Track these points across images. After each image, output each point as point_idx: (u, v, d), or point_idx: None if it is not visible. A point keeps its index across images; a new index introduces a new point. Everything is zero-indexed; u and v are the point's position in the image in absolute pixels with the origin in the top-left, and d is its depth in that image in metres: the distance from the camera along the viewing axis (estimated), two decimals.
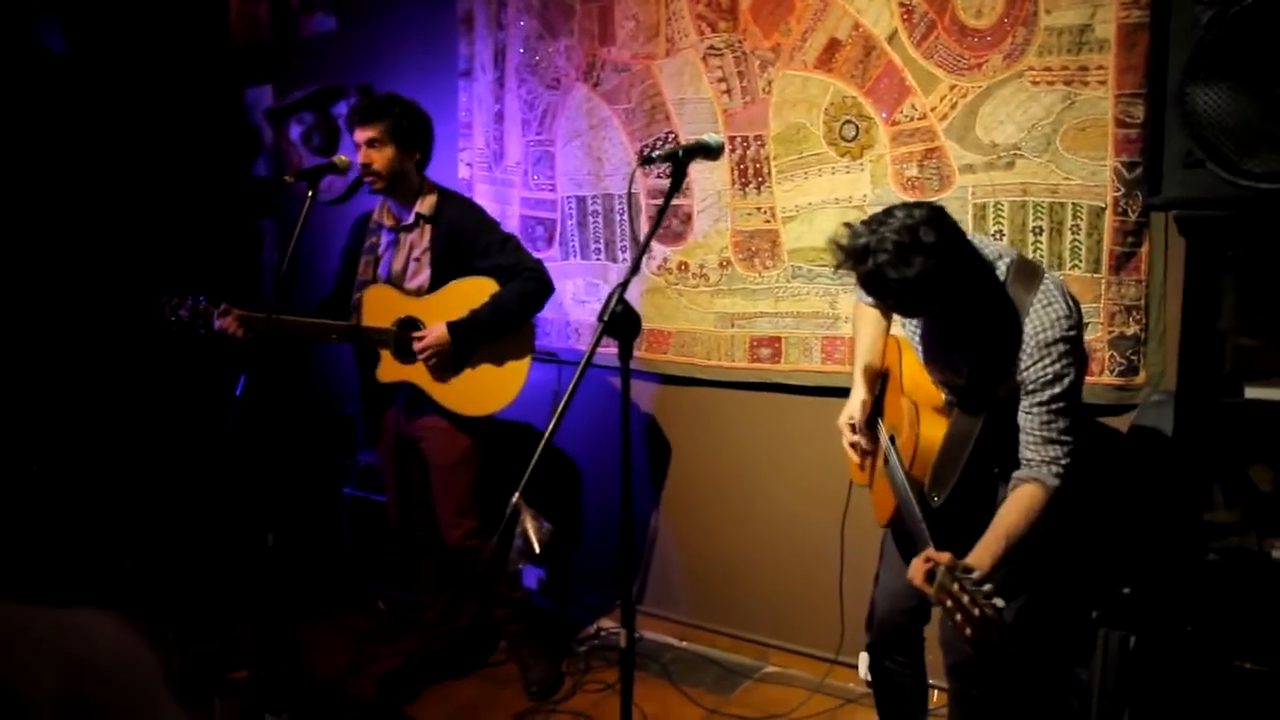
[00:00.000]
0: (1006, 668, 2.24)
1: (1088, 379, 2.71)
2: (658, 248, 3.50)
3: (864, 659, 3.13)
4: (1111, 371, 2.70)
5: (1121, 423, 2.68)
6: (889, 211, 1.91)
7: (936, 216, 1.87)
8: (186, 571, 3.90)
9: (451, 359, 2.99)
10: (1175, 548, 2.11)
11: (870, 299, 2.42)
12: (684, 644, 3.61)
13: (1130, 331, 2.67)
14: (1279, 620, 1.97)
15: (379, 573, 3.86)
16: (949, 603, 1.64)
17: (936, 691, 2.69)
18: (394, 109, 2.99)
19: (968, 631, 1.59)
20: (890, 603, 2.39)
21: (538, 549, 1.67)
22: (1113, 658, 2.03)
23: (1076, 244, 2.71)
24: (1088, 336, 2.70)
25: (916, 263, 1.82)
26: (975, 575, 1.65)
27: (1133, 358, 2.67)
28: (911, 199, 2.82)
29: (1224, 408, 2.08)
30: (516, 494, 1.72)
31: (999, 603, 1.57)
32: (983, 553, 1.87)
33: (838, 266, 1.93)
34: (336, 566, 4.01)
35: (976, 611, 1.57)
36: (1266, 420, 2.07)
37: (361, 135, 2.96)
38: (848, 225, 1.93)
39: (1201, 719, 1.94)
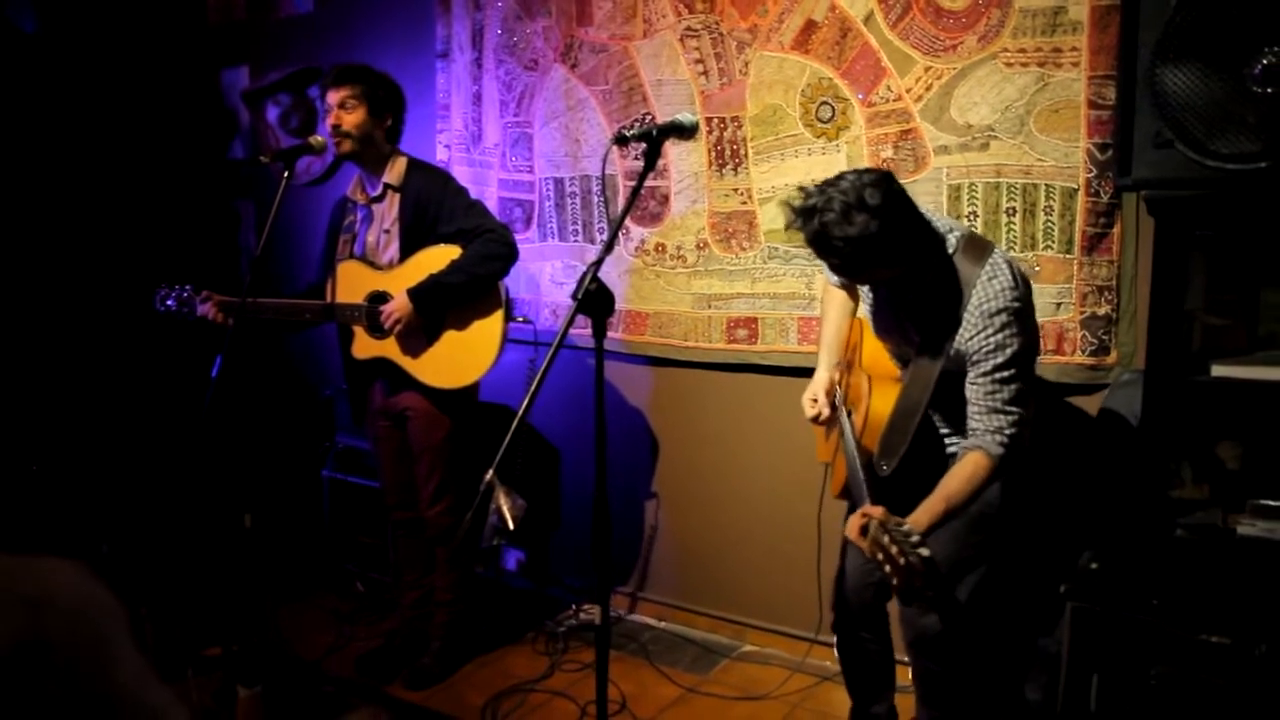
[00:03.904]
0: (965, 642, 2.27)
1: (1060, 359, 2.75)
2: (635, 229, 3.50)
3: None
4: (1083, 351, 2.73)
5: (1093, 402, 2.72)
6: (840, 175, 1.98)
7: (884, 180, 1.95)
8: (164, 554, 3.89)
9: (420, 327, 2.97)
10: (1143, 524, 2.14)
11: (832, 274, 2.46)
12: (662, 624, 3.63)
13: (1102, 312, 2.70)
14: (1243, 594, 2.01)
15: (357, 554, 3.87)
16: (879, 555, 1.70)
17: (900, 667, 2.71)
18: (368, 74, 2.99)
19: (894, 581, 1.65)
20: (852, 579, 2.45)
21: (511, 525, 1.68)
22: (1080, 631, 2.06)
23: (1049, 225, 2.73)
24: (1060, 317, 2.73)
25: (859, 221, 1.88)
26: (905, 528, 1.70)
27: (1104, 338, 2.70)
28: None
29: (1192, 386, 2.11)
30: (490, 471, 1.73)
31: (924, 552, 1.62)
32: (921, 514, 1.95)
33: (788, 226, 2.00)
34: (315, 548, 4.01)
35: (902, 560, 1.62)
36: (1233, 398, 2.10)
37: (334, 97, 2.94)
38: (801, 188, 2.00)
39: (1166, 690, 1.97)
